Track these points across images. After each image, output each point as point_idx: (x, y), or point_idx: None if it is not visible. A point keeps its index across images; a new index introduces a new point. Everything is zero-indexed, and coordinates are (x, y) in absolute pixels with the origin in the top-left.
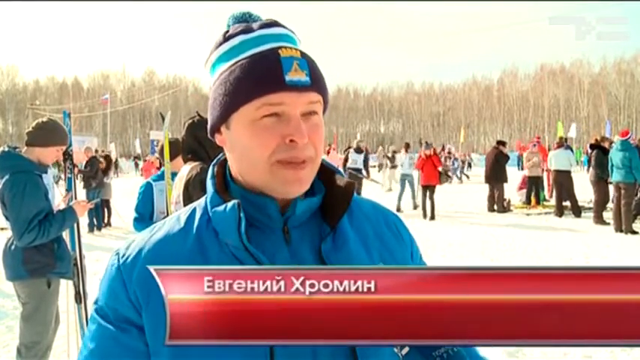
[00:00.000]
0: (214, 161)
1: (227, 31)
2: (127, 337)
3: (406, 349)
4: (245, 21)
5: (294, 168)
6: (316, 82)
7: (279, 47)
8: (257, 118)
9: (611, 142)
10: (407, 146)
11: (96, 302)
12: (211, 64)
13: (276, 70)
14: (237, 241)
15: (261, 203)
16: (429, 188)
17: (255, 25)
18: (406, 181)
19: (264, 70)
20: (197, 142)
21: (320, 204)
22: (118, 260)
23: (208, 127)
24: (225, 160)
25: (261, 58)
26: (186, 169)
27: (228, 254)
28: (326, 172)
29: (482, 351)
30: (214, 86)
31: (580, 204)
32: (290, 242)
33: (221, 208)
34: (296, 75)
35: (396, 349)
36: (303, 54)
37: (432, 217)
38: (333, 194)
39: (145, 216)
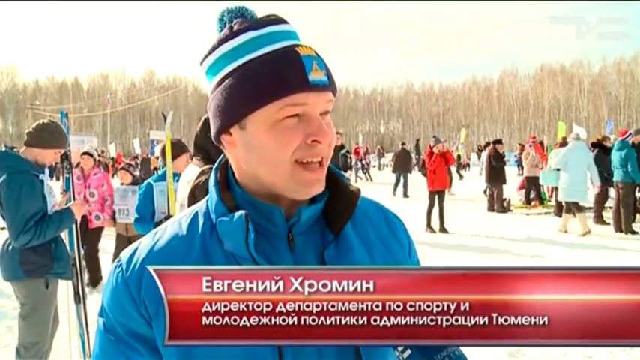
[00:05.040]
0: (216, 165)
1: (231, 26)
2: (138, 356)
3: (408, 352)
4: (243, 16)
5: (314, 170)
6: (332, 82)
7: (296, 45)
8: (279, 119)
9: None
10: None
11: (101, 314)
12: (215, 60)
13: (300, 70)
14: (244, 252)
15: (267, 210)
16: (439, 195)
17: (262, 22)
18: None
19: (287, 70)
20: (211, 142)
21: (324, 209)
22: (123, 272)
23: (214, 127)
24: (227, 163)
25: (281, 57)
26: (192, 171)
27: (233, 263)
28: (330, 175)
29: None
30: (225, 84)
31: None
32: (294, 249)
33: (227, 218)
34: (317, 75)
35: (397, 352)
36: (316, 52)
37: (443, 229)
38: (338, 199)
39: (145, 217)
